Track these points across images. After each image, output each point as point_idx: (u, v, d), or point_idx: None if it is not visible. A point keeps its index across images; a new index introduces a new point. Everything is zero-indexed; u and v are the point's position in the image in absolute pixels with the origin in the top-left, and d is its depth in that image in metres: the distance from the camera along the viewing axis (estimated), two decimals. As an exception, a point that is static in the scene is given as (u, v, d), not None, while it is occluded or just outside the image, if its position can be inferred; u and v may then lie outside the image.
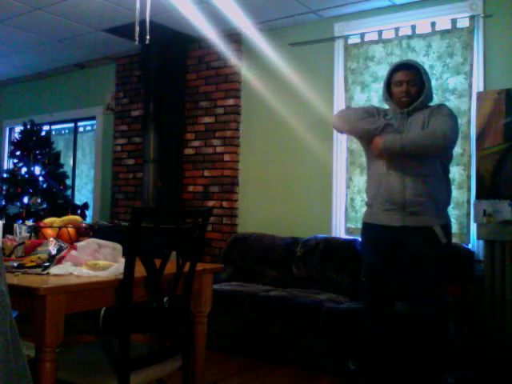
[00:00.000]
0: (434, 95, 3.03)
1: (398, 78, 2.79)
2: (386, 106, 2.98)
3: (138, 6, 3.04)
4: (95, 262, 1.98)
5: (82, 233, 2.54)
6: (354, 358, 3.19)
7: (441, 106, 2.86)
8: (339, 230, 4.33)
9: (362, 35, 4.26)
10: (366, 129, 2.78)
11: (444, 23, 3.92)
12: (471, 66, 3.77)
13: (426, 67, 3.35)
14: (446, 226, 2.76)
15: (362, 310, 3.09)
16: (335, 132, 4.39)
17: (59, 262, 2.01)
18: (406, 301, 2.97)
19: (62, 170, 5.79)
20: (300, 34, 4.59)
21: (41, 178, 5.64)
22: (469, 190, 3.74)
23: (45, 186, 5.60)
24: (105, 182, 5.89)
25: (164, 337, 2.08)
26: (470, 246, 3.74)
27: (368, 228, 2.89)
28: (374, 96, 4.18)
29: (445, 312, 2.90)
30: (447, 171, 2.87)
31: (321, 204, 4.43)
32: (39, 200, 5.51)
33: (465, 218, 3.76)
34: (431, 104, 2.89)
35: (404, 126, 2.78)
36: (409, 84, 2.77)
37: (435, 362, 2.71)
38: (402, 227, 2.72)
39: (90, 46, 5.34)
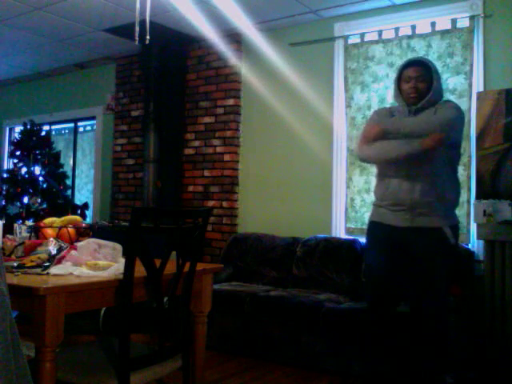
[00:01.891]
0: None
1: (407, 74, 2.80)
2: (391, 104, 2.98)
3: (138, 5, 3.04)
4: (95, 262, 1.98)
5: (82, 233, 2.54)
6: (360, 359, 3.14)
7: (447, 101, 2.87)
8: (339, 230, 4.33)
9: (362, 35, 4.26)
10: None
11: (444, 23, 3.92)
12: (471, 66, 3.77)
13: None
14: (455, 227, 2.76)
15: (365, 310, 3.09)
16: (335, 132, 4.39)
17: (59, 262, 2.01)
18: (408, 301, 2.97)
19: (61, 170, 5.79)
20: (300, 34, 4.59)
21: (41, 178, 5.63)
22: (469, 190, 3.74)
23: (45, 185, 5.60)
24: (105, 182, 5.89)
25: (164, 337, 2.08)
26: (469, 246, 3.74)
27: (375, 226, 2.88)
28: (373, 96, 4.19)
29: (447, 312, 2.90)
30: (456, 171, 2.86)
31: (321, 204, 4.43)
32: (39, 200, 5.50)
33: (465, 218, 3.76)
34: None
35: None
36: (417, 80, 2.76)
37: (435, 361, 2.71)
38: (410, 228, 2.72)
39: (90, 45, 5.34)
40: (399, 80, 2.84)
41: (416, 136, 2.66)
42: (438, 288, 2.72)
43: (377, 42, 4.19)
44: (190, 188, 5.11)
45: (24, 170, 5.68)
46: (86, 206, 5.48)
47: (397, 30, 4.09)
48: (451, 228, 2.71)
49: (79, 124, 6.46)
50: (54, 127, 6.66)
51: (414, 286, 2.76)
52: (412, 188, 2.70)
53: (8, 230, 2.58)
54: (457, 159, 2.87)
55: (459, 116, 2.77)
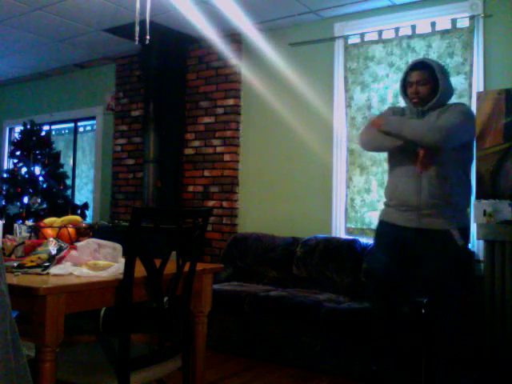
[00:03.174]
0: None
1: (410, 78, 2.83)
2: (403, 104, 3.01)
3: (138, 5, 3.04)
4: (95, 262, 1.98)
5: (82, 233, 2.54)
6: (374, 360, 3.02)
7: (457, 104, 2.88)
8: (339, 230, 4.32)
9: (362, 35, 4.26)
10: (394, 145, 2.79)
11: (444, 23, 3.92)
12: (471, 66, 3.77)
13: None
14: (464, 229, 2.76)
15: (366, 310, 3.07)
16: (335, 132, 4.39)
17: (59, 262, 2.01)
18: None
19: (61, 170, 5.79)
20: (300, 34, 4.58)
21: (41, 178, 5.63)
22: (469, 189, 3.74)
23: (45, 186, 5.60)
24: (105, 182, 5.89)
25: (164, 337, 2.08)
26: (469, 246, 3.73)
27: (383, 226, 2.90)
28: (374, 96, 4.18)
29: (455, 315, 2.85)
30: (468, 173, 2.87)
31: (321, 204, 4.42)
32: (39, 200, 5.50)
33: (465, 218, 3.76)
34: (450, 102, 2.89)
35: None
36: (418, 84, 2.78)
37: (439, 361, 2.70)
38: (417, 229, 2.71)
39: (90, 46, 5.34)
40: (406, 82, 2.87)
41: (416, 140, 2.67)
42: (447, 292, 2.71)
43: (377, 41, 4.19)
44: (190, 188, 5.11)
45: (24, 170, 5.68)
46: (86, 206, 5.48)
47: (397, 29, 4.09)
48: (460, 230, 2.70)
49: (79, 124, 6.46)
50: (54, 127, 6.66)
51: (421, 288, 2.75)
52: (419, 189, 2.70)
53: (8, 229, 2.58)
54: (469, 161, 2.87)
55: (465, 119, 2.76)
